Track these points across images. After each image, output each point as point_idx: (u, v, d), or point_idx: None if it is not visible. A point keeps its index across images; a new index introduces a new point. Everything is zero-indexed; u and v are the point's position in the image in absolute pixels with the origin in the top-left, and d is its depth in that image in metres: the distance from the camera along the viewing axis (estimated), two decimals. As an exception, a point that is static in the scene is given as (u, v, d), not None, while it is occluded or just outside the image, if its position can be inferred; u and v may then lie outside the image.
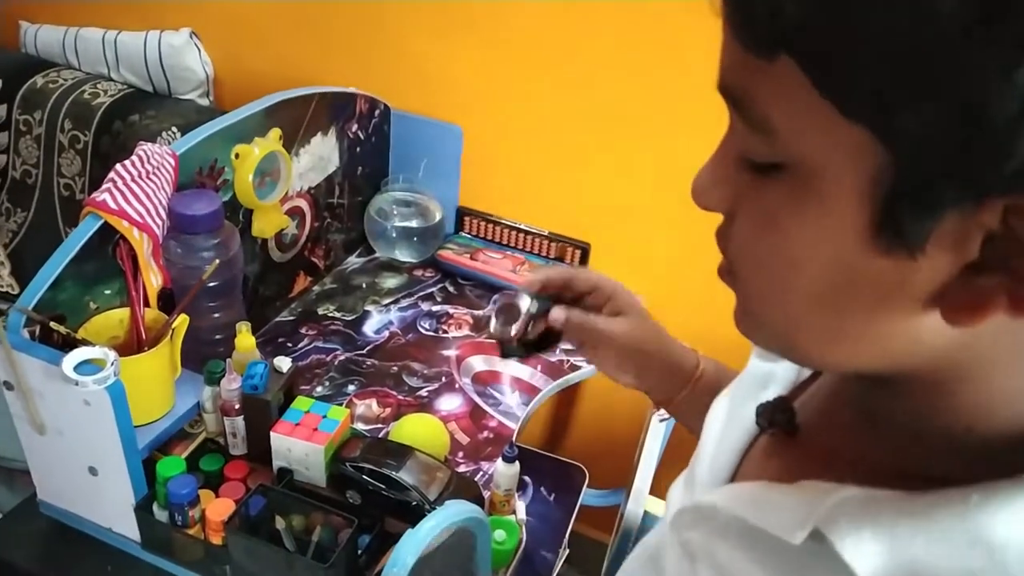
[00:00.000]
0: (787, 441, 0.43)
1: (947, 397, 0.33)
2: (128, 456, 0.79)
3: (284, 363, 0.89)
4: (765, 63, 0.29)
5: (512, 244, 1.41)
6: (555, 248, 1.38)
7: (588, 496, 1.23)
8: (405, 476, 0.83)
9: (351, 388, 1.10)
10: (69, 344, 0.80)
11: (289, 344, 1.17)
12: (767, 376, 0.48)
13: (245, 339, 0.90)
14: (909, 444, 0.35)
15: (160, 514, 0.83)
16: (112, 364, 0.74)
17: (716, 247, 0.38)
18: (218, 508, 0.81)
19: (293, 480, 0.87)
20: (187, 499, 0.80)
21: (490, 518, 0.76)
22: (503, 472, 0.87)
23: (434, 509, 0.82)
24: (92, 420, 0.76)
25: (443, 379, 1.14)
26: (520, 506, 0.91)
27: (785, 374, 0.47)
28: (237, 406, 0.86)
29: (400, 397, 1.09)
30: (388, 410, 1.07)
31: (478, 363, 1.18)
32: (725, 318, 0.41)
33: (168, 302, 0.92)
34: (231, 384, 0.85)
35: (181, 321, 0.86)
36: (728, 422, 0.49)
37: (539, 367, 1.18)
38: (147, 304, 0.89)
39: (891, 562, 0.31)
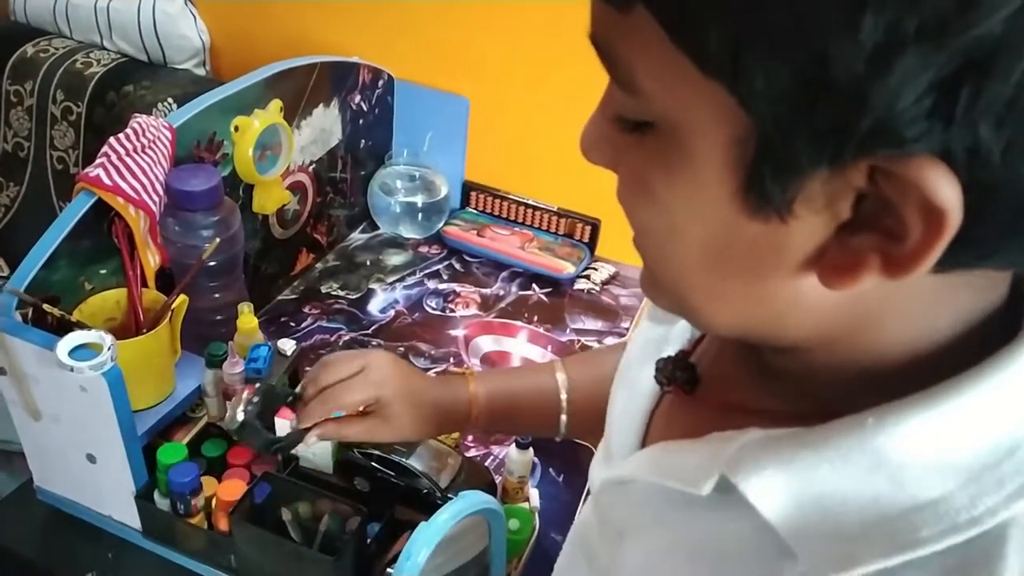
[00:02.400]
0: (687, 399, 0.43)
1: (839, 349, 0.33)
2: (127, 443, 0.75)
3: (288, 345, 0.85)
4: (622, 15, 0.28)
5: (520, 220, 1.37)
6: (564, 224, 1.34)
7: (598, 477, 1.21)
8: (415, 463, 0.80)
9: (356, 369, 1.06)
10: (64, 327, 0.76)
11: (292, 324, 1.13)
12: (662, 339, 0.47)
13: (247, 320, 0.86)
14: (805, 389, 0.36)
15: (161, 502, 0.80)
16: (109, 349, 0.70)
17: None
18: (229, 489, 0.79)
19: (299, 467, 0.83)
20: (189, 488, 0.77)
21: (503, 506, 0.73)
22: (516, 459, 0.84)
23: (446, 496, 0.79)
24: (89, 407, 0.73)
25: (451, 360, 1.10)
26: (534, 493, 0.88)
27: (680, 334, 0.47)
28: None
29: (407, 379, 1.06)
30: (395, 392, 1.04)
31: (487, 343, 1.15)
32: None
33: (166, 282, 0.89)
34: (233, 368, 0.81)
35: (181, 302, 0.82)
36: (630, 390, 0.48)
37: (550, 347, 1.14)
38: (145, 284, 0.85)
39: (796, 496, 0.31)
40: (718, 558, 0.36)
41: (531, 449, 0.85)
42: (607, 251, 1.34)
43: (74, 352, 0.71)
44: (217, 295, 0.92)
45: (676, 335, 0.47)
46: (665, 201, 0.31)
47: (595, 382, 0.71)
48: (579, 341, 1.16)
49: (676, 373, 0.44)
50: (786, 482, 0.31)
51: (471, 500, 0.68)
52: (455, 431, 0.73)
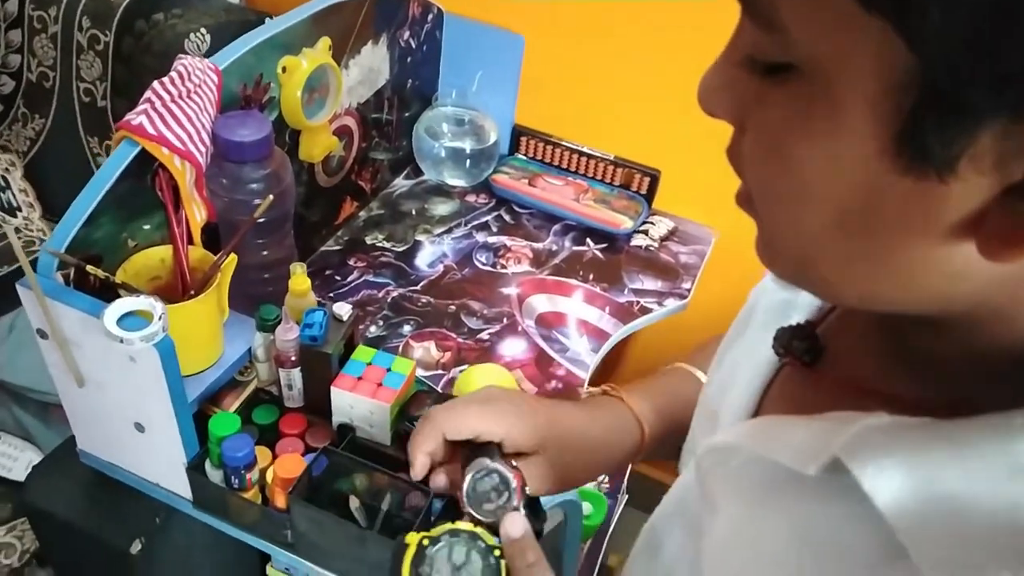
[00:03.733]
0: (808, 371, 0.40)
1: (990, 330, 0.29)
2: (179, 414, 0.71)
3: (344, 310, 0.80)
4: None
5: (574, 169, 1.29)
6: (621, 174, 1.27)
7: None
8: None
9: (407, 329, 1.01)
10: (107, 288, 0.71)
11: (337, 277, 1.08)
12: (788, 304, 0.44)
13: (300, 281, 0.80)
14: (943, 375, 0.33)
15: (213, 474, 0.75)
16: (160, 318, 0.65)
17: None
18: (287, 465, 0.74)
19: (355, 438, 0.79)
20: (244, 462, 0.72)
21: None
22: (587, 438, 0.80)
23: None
24: (138, 377, 0.68)
25: (504, 320, 1.05)
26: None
27: (810, 300, 0.44)
28: (293, 357, 0.78)
29: (460, 340, 1.01)
30: (448, 354, 0.99)
31: (541, 303, 1.09)
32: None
33: (212, 237, 0.83)
34: (287, 334, 0.76)
35: (229, 262, 0.76)
36: (748, 357, 0.45)
37: (607, 308, 1.09)
38: (190, 240, 0.79)
39: (918, 492, 0.28)
40: (814, 545, 0.33)
41: (602, 428, 0.80)
42: (665, 204, 1.27)
43: (122, 320, 0.65)
44: (266, 252, 0.86)
45: (804, 301, 0.44)
46: (800, 157, 0.28)
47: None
48: (638, 302, 1.10)
49: (794, 343, 0.41)
50: (909, 475, 0.28)
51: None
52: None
